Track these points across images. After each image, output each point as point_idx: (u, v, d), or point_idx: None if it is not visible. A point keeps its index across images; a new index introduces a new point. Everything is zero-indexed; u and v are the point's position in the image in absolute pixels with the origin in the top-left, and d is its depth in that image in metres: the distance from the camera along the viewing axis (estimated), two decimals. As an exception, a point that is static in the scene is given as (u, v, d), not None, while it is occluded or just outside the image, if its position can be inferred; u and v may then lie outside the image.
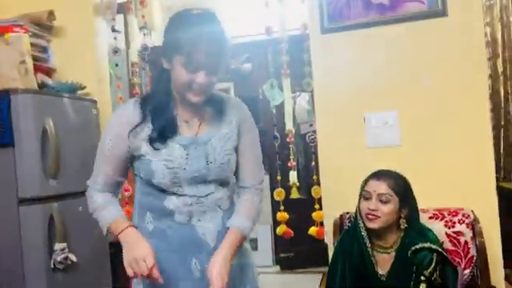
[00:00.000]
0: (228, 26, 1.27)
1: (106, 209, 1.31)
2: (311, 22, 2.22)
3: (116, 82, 2.54)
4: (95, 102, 2.41)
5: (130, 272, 1.20)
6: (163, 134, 1.26)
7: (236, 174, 1.38)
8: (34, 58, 2.18)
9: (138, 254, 1.20)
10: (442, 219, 1.85)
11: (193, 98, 1.24)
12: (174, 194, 1.28)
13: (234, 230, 1.30)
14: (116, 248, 2.38)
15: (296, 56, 2.68)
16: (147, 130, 1.27)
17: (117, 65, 2.55)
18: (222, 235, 1.30)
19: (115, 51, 2.51)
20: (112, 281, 2.38)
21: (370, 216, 1.53)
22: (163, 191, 1.28)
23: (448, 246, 1.81)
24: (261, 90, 4.09)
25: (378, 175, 1.59)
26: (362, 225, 1.58)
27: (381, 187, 1.54)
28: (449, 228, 1.83)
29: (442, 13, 2.05)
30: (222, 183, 1.33)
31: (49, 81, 2.28)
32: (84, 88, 2.38)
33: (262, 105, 4.21)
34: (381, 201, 1.53)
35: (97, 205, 1.32)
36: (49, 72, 2.34)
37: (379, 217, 1.52)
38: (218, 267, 1.23)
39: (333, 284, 1.62)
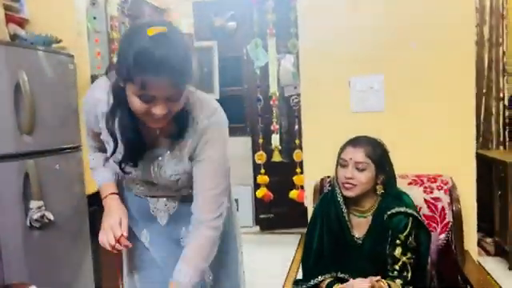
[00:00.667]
0: None
1: (96, 170, 1.35)
2: (299, -20, 2.13)
3: (94, 36, 2.43)
4: (72, 56, 2.31)
5: (99, 240, 1.23)
6: (130, 156, 1.19)
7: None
8: (6, 8, 2.07)
9: (108, 223, 1.24)
10: (421, 185, 1.87)
11: (152, 124, 1.11)
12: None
13: (174, 284, 1.19)
14: (96, 206, 2.36)
15: (282, 16, 2.61)
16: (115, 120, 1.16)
17: (95, 18, 2.44)
18: (174, 219, 1.33)
19: (93, 3, 2.40)
20: (91, 239, 2.37)
21: (346, 185, 1.53)
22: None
23: (425, 211, 1.83)
24: (245, 49, 4.02)
25: (355, 142, 1.56)
26: (338, 191, 1.58)
27: (357, 155, 1.53)
28: (427, 194, 1.85)
29: (434, -26, 1.99)
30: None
31: (22, 32, 2.16)
32: (60, 41, 2.28)
33: (245, 65, 4.15)
34: (357, 169, 1.52)
35: (91, 165, 1.36)
36: (21, 23, 2.22)
37: (356, 185, 1.52)
38: None
39: (310, 245, 1.64)
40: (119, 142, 1.18)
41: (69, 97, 2.27)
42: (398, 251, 1.51)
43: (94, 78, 2.43)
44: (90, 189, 2.34)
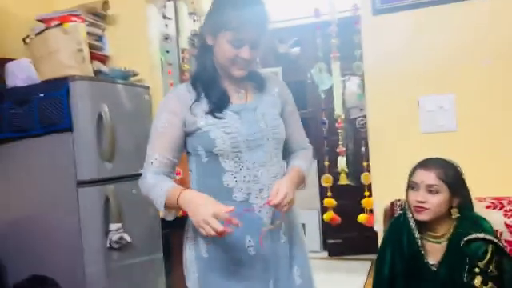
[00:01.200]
0: (276, 9, 1.30)
1: (157, 186, 1.30)
2: (362, 3, 2.14)
3: (167, 69, 2.59)
4: (147, 87, 2.48)
5: (203, 232, 1.18)
6: (218, 103, 1.34)
7: (285, 144, 1.45)
8: (90, 46, 2.27)
9: (204, 212, 1.17)
10: (500, 208, 1.75)
11: (236, 71, 1.33)
12: (231, 170, 1.31)
13: (295, 167, 1.43)
14: (168, 229, 2.46)
15: (346, 39, 2.62)
16: (203, 104, 1.34)
17: (168, 51, 2.60)
18: (277, 213, 1.32)
19: (166, 38, 2.56)
20: (164, 260, 2.46)
21: (418, 208, 1.48)
22: (221, 168, 1.31)
23: (507, 236, 1.71)
24: (309, 74, 4.05)
25: (426, 164, 1.51)
26: (410, 215, 1.53)
27: (429, 178, 1.47)
28: (508, 218, 1.73)
29: (503, -10, 1.91)
30: (277, 152, 1.40)
31: (104, 68, 2.36)
32: (137, 74, 2.45)
33: (310, 89, 4.17)
34: (429, 191, 1.47)
35: (148, 185, 1.32)
36: (104, 59, 2.42)
37: (428, 208, 1.46)
38: (283, 183, 1.30)
39: (381, 272, 1.59)
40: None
41: (144, 126, 2.42)
42: (477, 280, 1.41)
43: (167, 108, 2.57)
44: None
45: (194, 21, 2.65)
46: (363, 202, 3.00)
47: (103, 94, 2.19)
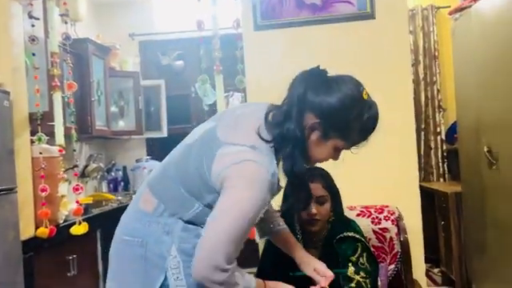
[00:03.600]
0: (160, 20, 1.17)
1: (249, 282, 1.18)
2: (244, 19, 2.19)
3: (33, 73, 2.32)
4: (8, 93, 2.19)
5: None
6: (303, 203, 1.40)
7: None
8: None
9: None
10: (368, 216, 1.89)
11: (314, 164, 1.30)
12: None
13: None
14: (32, 252, 2.18)
15: (229, 53, 2.64)
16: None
17: (34, 54, 2.34)
18: None
19: (32, 39, 2.30)
20: (25, 286, 2.16)
21: (311, 221, 1.52)
22: None
23: (375, 242, 1.85)
24: (193, 87, 4.01)
25: (311, 178, 1.55)
26: (298, 228, 1.55)
27: (318, 190, 1.52)
28: (375, 225, 1.87)
29: (371, 15, 2.11)
30: None
31: (-48, 68, 2.03)
32: (-6, 77, 2.16)
33: (194, 103, 4.13)
34: (318, 202, 1.52)
35: (243, 282, 1.15)
36: (-48, 58, 2.08)
37: (320, 219, 1.51)
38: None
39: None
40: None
41: (4, 135, 2.13)
42: (350, 270, 1.49)
43: (31, 116, 2.31)
44: (26, 233, 2.17)
45: (66, 23, 2.43)
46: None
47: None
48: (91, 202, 3.12)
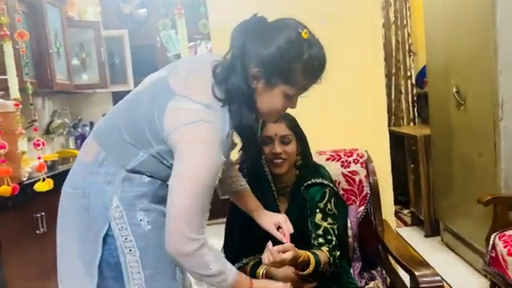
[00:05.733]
0: None
1: (226, 271, 1.12)
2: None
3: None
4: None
5: None
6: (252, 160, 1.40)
7: None
8: None
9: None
10: (338, 160, 1.88)
11: (271, 121, 1.36)
12: None
13: None
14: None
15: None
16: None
17: (-23, 1, 2.16)
18: None
19: (-25, -16, 2.12)
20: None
21: (276, 161, 1.49)
22: None
23: (344, 185, 1.86)
24: (158, 37, 3.85)
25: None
26: (267, 170, 1.52)
27: (281, 129, 1.49)
28: (344, 168, 1.87)
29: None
30: None
31: None
32: None
33: (159, 53, 3.98)
34: (283, 142, 1.49)
35: (218, 268, 1.09)
36: None
37: (285, 159, 1.49)
38: None
39: (233, 229, 1.60)
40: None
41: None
42: (318, 217, 1.49)
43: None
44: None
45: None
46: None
47: None
48: (57, 158, 3.02)
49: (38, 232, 2.42)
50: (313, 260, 1.36)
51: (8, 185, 2.12)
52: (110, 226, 1.12)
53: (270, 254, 1.23)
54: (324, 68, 1.18)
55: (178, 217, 1.05)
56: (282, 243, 1.30)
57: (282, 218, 1.38)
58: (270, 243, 1.26)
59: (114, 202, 1.12)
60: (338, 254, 1.47)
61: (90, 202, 1.14)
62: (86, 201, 1.14)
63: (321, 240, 1.47)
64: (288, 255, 1.25)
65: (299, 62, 1.12)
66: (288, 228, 1.35)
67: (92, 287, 1.14)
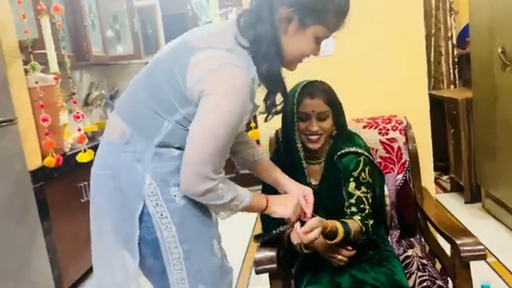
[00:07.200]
0: None
1: (239, 196, 1.18)
2: None
3: (16, -2, 2.19)
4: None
5: (294, 219, 1.28)
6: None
7: None
8: None
9: (292, 203, 1.28)
10: (376, 127, 1.84)
11: (294, 69, 1.22)
12: None
13: None
14: (43, 182, 2.20)
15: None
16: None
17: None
18: None
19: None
20: (40, 219, 2.22)
21: (312, 137, 1.46)
22: None
23: (382, 153, 1.82)
24: (189, 6, 3.82)
25: (312, 93, 1.47)
26: (299, 145, 1.50)
27: (319, 106, 1.45)
28: (382, 135, 1.83)
29: None
30: None
31: None
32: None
33: (191, 22, 3.96)
34: (320, 119, 1.46)
35: (229, 196, 1.14)
36: None
37: (321, 134, 1.46)
38: None
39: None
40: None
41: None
42: (351, 186, 1.47)
43: (22, 44, 2.21)
44: (33, 164, 2.18)
45: None
46: (250, 133, 3.00)
47: None
48: (96, 129, 3.11)
49: (82, 200, 2.53)
50: (341, 230, 1.35)
51: (52, 156, 2.21)
52: (144, 203, 1.12)
53: (297, 235, 1.27)
54: (349, 7, 1.17)
55: (200, 157, 1.06)
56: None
57: (307, 190, 1.37)
58: (297, 224, 1.28)
59: (147, 179, 1.11)
60: (372, 222, 1.45)
61: (121, 182, 1.13)
62: (117, 181, 1.13)
63: (353, 209, 1.46)
64: (315, 234, 1.26)
65: (332, 1, 1.12)
66: (311, 201, 1.35)
67: (135, 266, 1.15)
